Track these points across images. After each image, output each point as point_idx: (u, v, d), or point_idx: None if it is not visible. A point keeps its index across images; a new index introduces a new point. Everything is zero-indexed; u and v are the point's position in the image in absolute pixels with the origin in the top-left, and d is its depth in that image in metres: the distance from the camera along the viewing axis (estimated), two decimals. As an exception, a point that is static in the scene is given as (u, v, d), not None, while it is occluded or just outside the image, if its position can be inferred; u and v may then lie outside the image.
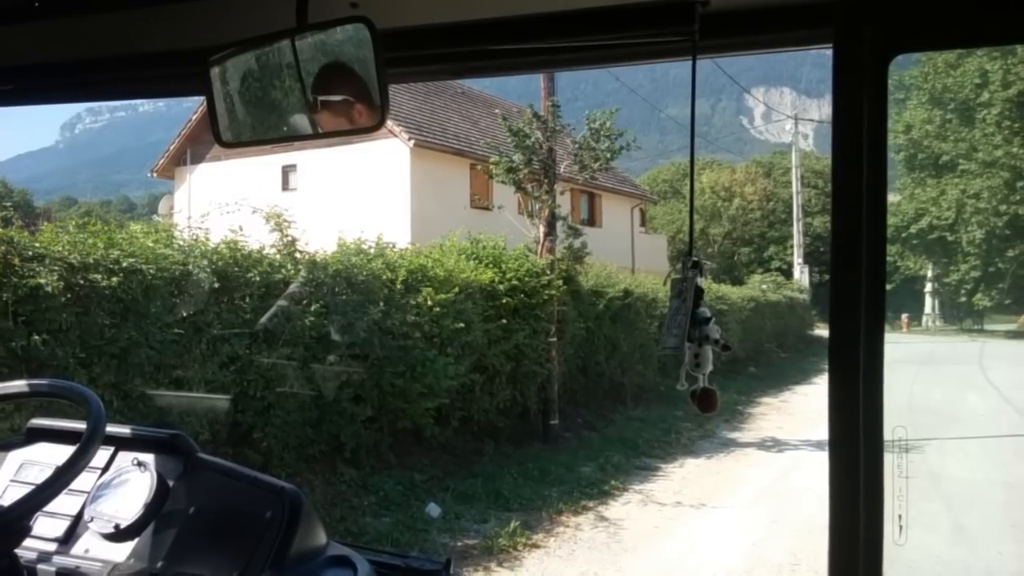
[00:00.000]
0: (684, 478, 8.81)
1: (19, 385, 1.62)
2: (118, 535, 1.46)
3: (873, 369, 1.11)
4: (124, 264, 5.55)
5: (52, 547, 1.50)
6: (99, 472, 1.57)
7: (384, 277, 7.67)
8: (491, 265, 9.50)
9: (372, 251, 7.91)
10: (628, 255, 22.57)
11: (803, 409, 13.20)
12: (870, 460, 1.11)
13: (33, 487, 1.37)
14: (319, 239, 7.56)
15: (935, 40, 1.19)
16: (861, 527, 1.11)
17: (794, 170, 32.42)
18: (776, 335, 21.65)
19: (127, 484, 1.52)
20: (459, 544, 6.33)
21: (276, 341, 6.54)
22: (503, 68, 1.54)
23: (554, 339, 10.06)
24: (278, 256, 7.01)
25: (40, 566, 1.46)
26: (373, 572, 1.41)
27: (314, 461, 6.88)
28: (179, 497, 1.50)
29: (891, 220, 27.59)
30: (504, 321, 9.06)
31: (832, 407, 1.13)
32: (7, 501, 1.44)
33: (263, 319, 6.44)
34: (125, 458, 1.58)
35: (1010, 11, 1.07)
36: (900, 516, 1.36)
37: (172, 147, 21.06)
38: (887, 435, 1.12)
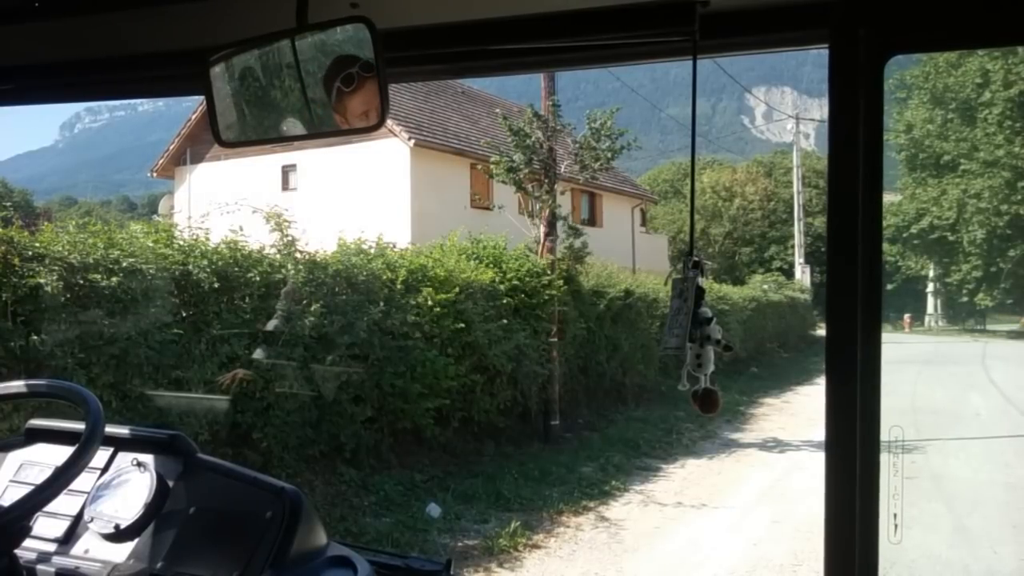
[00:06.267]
0: (685, 479, 8.81)
1: (17, 385, 1.62)
2: (118, 535, 1.46)
3: (870, 369, 1.11)
4: (124, 264, 5.55)
5: (52, 547, 1.50)
6: (99, 472, 1.57)
7: (384, 277, 7.67)
8: (492, 265, 9.50)
9: (372, 251, 7.91)
10: (629, 255, 22.55)
11: (805, 409, 13.18)
12: (866, 460, 1.11)
13: (33, 487, 1.37)
14: (319, 239, 7.56)
15: (930, 42, 1.20)
16: (857, 526, 1.11)
17: (795, 170, 32.40)
18: (778, 335, 21.64)
19: (127, 484, 1.52)
20: (459, 544, 6.33)
21: (276, 341, 6.54)
22: (503, 68, 1.54)
23: (555, 339, 10.06)
24: (278, 256, 7.01)
25: (40, 566, 1.46)
26: (373, 572, 1.41)
27: (314, 461, 6.87)
28: (179, 497, 1.50)
29: (892, 220, 27.52)
30: (505, 321, 9.06)
31: (829, 407, 1.13)
32: (7, 501, 1.44)
33: (270, 324, 6.46)
34: (125, 458, 1.58)
35: (1004, 13, 1.07)
36: (895, 515, 1.36)
37: (172, 147, 21.04)
38: (884, 435, 1.12)
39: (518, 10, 1.34)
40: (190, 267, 6.15)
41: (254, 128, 1.40)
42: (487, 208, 14.10)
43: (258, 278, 6.54)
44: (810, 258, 31.37)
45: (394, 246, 8.61)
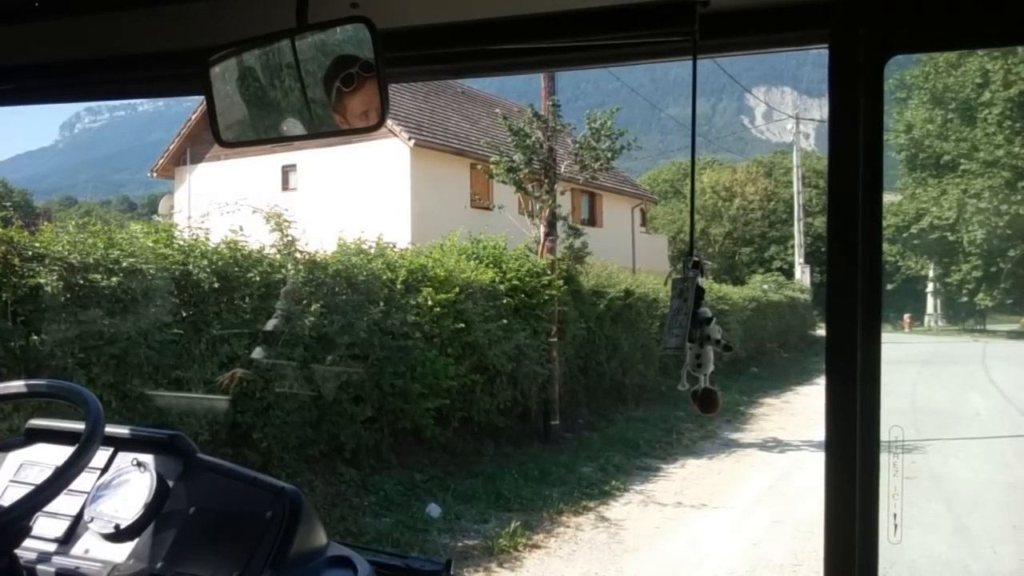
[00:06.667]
0: (685, 479, 8.81)
1: (17, 385, 1.62)
2: (118, 535, 1.46)
3: (870, 369, 1.11)
4: (124, 264, 5.55)
5: (52, 547, 1.50)
6: (99, 472, 1.57)
7: (384, 277, 7.67)
8: (492, 265, 9.51)
9: (372, 251, 7.91)
10: (629, 255, 22.55)
11: (805, 409, 13.19)
12: (866, 460, 1.11)
13: (33, 487, 1.37)
14: (319, 239, 7.56)
15: (929, 42, 1.20)
16: (857, 526, 1.11)
17: (795, 170, 32.41)
18: (778, 335, 21.64)
19: (127, 484, 1.52)
20: (459, 544, 6.33)
21: (276, 341, 6.54)
22: (503, 68, 1.55)
23: (555, 339, 10.06)
24: (278, 256, 7.01)
25: (40, 566, 1.46)
26: (373, 572, 1.41)
27: (314, 461, 6.88)
28: (179, 497, 1.50)
29: (892, 220, 27.47)
30: (505, 321, 9.06)
31: (829, 407, 1.13)
32: (7, 501, 1.44)
33: (270, 324, 6.46)
34: (125, 458, 1.58)
35: (1004, 14, 1.08)
36: (895, 515, 1.37)
37: (172, 147, 21.04)
38: (884, 435, 1.13)
39: (518, 10, 1.34)
40: (190, 267, 6.15)
41: (254, 128, 1.39)
42: (487, 208, 14.10)
43: (258, 278, 6.54)
44: (810, 258, 31.38)
45: (394, 246, 8.61)
